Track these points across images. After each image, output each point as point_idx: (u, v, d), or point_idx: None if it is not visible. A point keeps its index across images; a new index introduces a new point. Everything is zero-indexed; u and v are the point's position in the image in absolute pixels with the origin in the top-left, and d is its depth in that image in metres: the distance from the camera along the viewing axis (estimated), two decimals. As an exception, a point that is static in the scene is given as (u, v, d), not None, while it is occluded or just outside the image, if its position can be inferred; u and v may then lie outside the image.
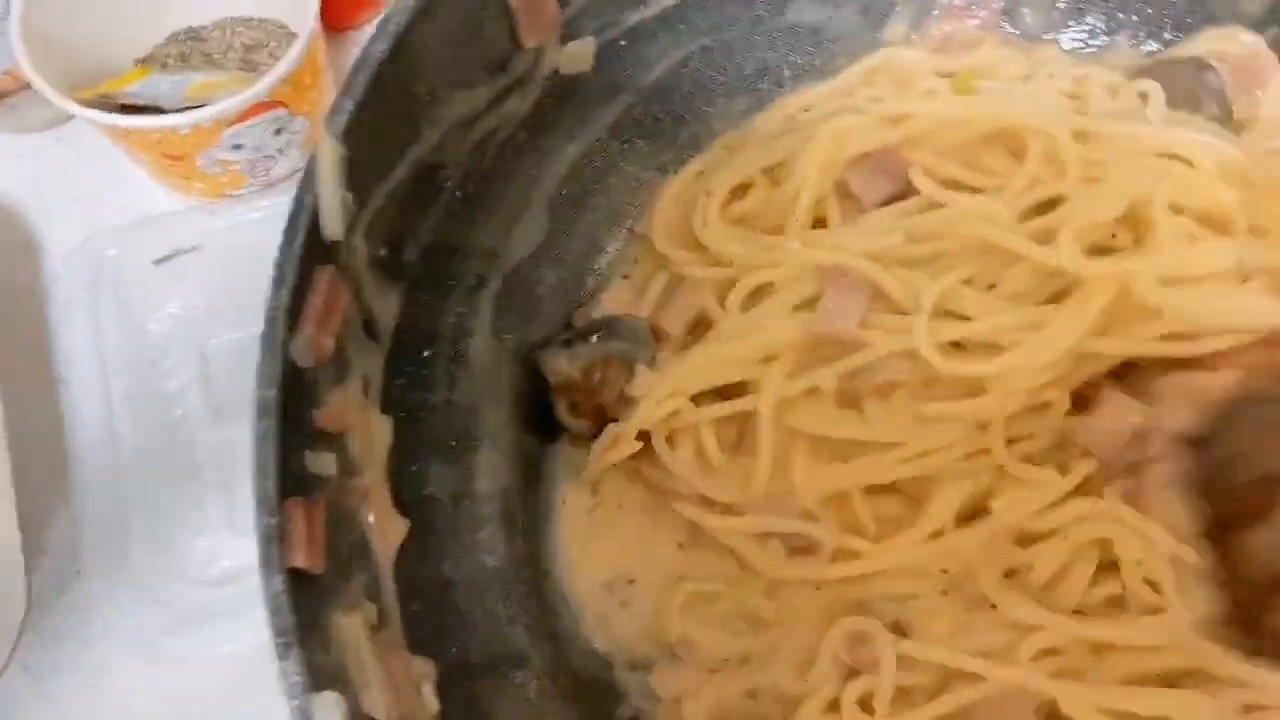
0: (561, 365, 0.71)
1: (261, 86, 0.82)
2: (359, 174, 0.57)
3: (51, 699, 0.80)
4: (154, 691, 0.80)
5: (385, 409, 0.63)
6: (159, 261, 0.91)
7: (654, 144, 0.79)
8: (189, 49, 0.97)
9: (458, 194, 0.68)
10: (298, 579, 0.50)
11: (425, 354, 0.68)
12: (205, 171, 0.89)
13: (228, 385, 0.90)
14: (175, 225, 0.90)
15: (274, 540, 0.49)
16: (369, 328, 0.61)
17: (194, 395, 0.89)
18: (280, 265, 0.52)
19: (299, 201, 0.53)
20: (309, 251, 0.53)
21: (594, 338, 0.72)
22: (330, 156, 0.54)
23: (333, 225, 0.55)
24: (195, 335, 0.90)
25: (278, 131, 0.88)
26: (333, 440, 0.57)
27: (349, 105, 0.55)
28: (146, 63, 0.96)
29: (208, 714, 0.79)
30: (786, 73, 0.81)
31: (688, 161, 0.80)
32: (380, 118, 0.58)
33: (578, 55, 0.73)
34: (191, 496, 0.85)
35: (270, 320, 0.52)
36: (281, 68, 0.83)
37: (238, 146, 0.87)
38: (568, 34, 0.70)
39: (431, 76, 0.62)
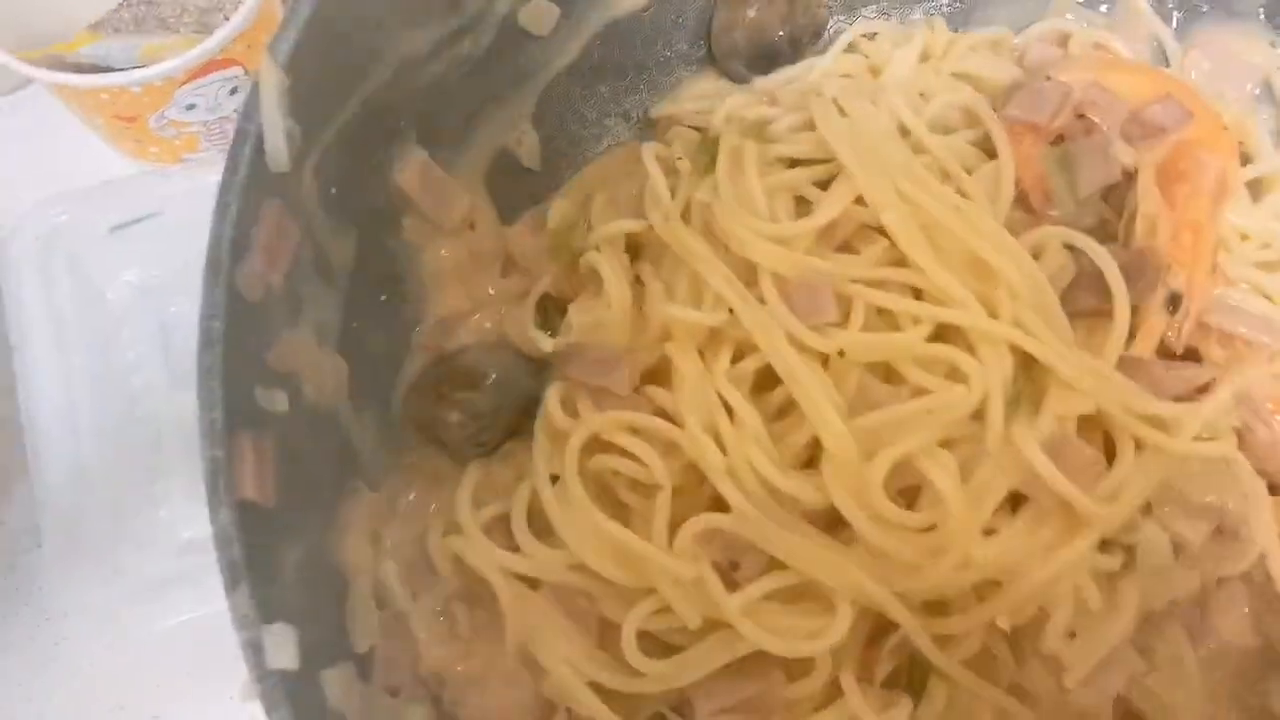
0: (454, 419, 0.66)
1: (212, 43, 0.81)
2: (306, 106, 0.56)
3: (9, 672, 0.78)
4: (114, 661, 0.79)
5: (342, 351, 0.62)
6: (116, 229, 0.89)
7: (616, 89, 0.78)
8: (143, 13, 0.95)
9: (414, 137, 0.66)
10: (247, 511, 0.49)
11: (383, 298, 0.66)
12: (159, 134, 0.87)
13: (188, 354, 0.88)
14: (131, 191, 0.88)
15: (220, 472, 0.48)
16: (323, 269, 0.60)
17: (154, 364, 0.87)
18: (223, 194, 0.51)
19: (242, 131, 0.52)
20: (253, 182, 0.52)
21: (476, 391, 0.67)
22: (273, 84, 0.53)
23: (278, 157, 0.54)
24: (154, 304, 0.88)
25: (233, 91, 0.86)
26: (285, 379, 0.55)
27: (292, 34, 0.54)
28: (99, 28, 0.94)
29: (167, 682, 0.78)
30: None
31: (651, 106, 0.79)
32: (326, 50, 0.57)
33: (537, 16, 0.72)
34: (152, 467, 0.83)
35: (214, 249, 0.51)
36: (233, 25, 0.82)
37: (191, 107, 0.86)
38: (524, -23, 0.70)
39: (379, 11, 0.61)
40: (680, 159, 0.69)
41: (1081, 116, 0.70)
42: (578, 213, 0.72)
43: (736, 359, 0.63)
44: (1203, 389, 0.63)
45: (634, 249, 0.69)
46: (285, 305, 0.55)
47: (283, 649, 0.47)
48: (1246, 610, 0.63)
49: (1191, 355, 0.64)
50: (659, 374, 0.64)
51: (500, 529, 0.64)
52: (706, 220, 0.65)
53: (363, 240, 0.63)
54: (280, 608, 0.48)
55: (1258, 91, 0.77)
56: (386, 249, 0.66)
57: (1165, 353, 0.65)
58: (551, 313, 0.69)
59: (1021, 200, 0.68)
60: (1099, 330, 0.63)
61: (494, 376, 0.65)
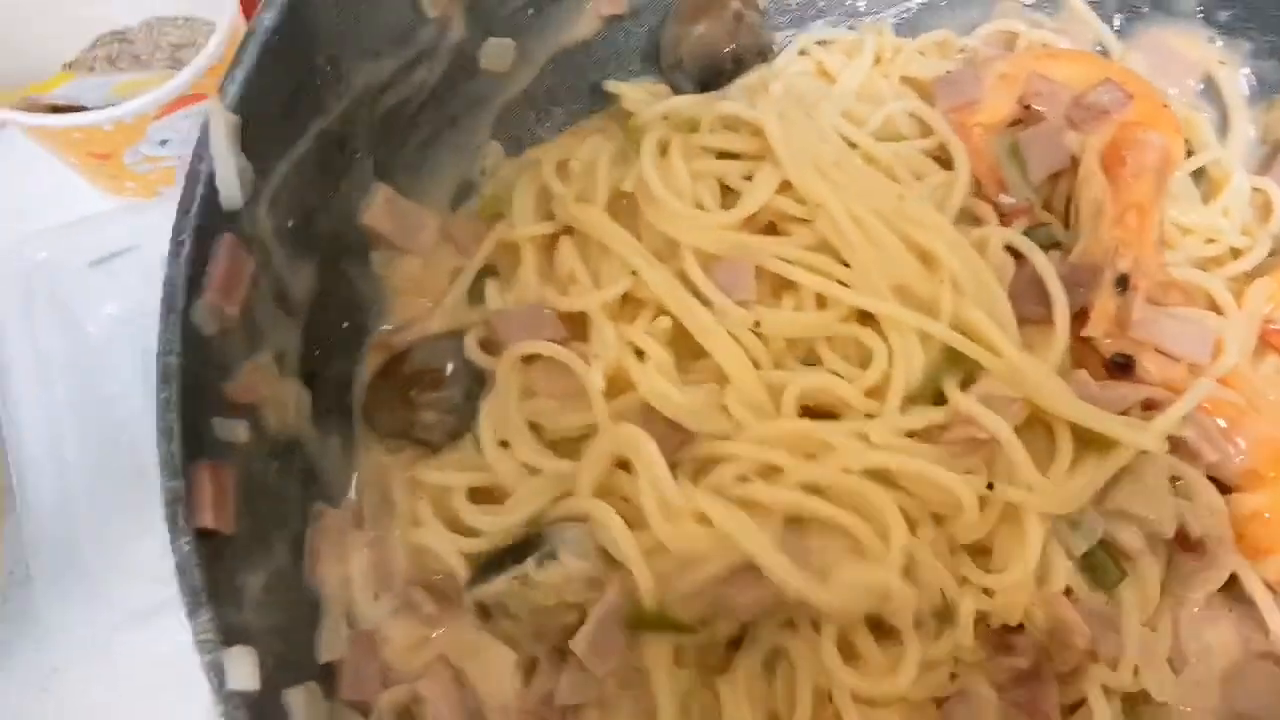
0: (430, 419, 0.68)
1: (181, 79, 0.82)
2: (258, 143, 0.57)
3: (5, 704, 0.80)
4: (106, 690, 0.80)
5: (305, 380, 0.63)
6: (95, 263, 0.90)
7: (571, 111, 0.79)
8: (116, 51, 0.97)
9: (371, 166, 0.68)
10: (208, 540, 0.50)
11: (345, 325, 0.68)
12: (134, 170, 0.89)
13: (170, 383, 0.89)
14: (108, 226, 0.90)
15: (179, 502, 0.49)
16: (282, 299, 0.61)
17: (137, 394, 0.88)
18: (177, 233, 0.53)
19: (194, 170, 0.54)
20: (206, 219, 0.54)
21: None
22: (223, 124, 0.55)
23: (231, 194, 0.55)
24: (135, 335, 0.89)
25: (205, 125, 0.88)
26: (245, 409, 0.57)
27: (240, 74, 0.56)
28: (73, 67, 0.96)
29: (160, 708, 0.79)
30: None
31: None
32: (278, 87, 0.59)
33: (497, 54, 0.74)
34: (138, 496, 0.83)
35: (169, 287, 0.52)
36: (201, 60, 0.83)
37: (165, 142, 0.87)
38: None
39: (330, 46, 0.62)
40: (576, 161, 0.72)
41: (1027, 107, 0.72)
42: (513, 180, 0.75)
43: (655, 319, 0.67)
44: (1147, 405, 0.64)
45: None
46: (243, 337, 0.57)
47: (243, 671, 0.49)
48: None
49: (1127, 363, 0.65)
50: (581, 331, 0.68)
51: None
52: (629, 206, 0.68)
53: (323, 268, 0.65)
54: (242, 631, 0.50)
55: (1200, 88, 0.78)
56: (347, 275, 0.68)
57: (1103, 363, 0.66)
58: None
59: (976, 188, 0.71)
60: (1042, 336, 0.64)
61: (452, 366, 0.67)
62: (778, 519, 0.61)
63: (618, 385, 0.65)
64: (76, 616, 0.79)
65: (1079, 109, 0.70)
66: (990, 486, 0.60)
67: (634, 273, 0.66)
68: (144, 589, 0.80)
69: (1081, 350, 0.65)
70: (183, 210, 0.54)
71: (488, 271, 0.72)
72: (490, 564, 0.63)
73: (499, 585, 0.61)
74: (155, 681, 0.79)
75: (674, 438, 0.62)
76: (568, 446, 0.66)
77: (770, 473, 0.61)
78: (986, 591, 0.61)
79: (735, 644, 0.63)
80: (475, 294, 0.71)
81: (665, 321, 0.65)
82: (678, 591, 0.60)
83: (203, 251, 0.54)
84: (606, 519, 0.60)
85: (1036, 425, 0.62)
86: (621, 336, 0.65)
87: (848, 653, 0.61)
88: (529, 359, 0.66)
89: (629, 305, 0.67)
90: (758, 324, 0.64)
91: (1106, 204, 0.67)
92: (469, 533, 0.64)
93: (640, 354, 0.65)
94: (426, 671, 0.60)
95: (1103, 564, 0.62)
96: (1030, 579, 0.60)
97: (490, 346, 0.68)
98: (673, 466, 0.62)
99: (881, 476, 0.61)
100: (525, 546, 0.62)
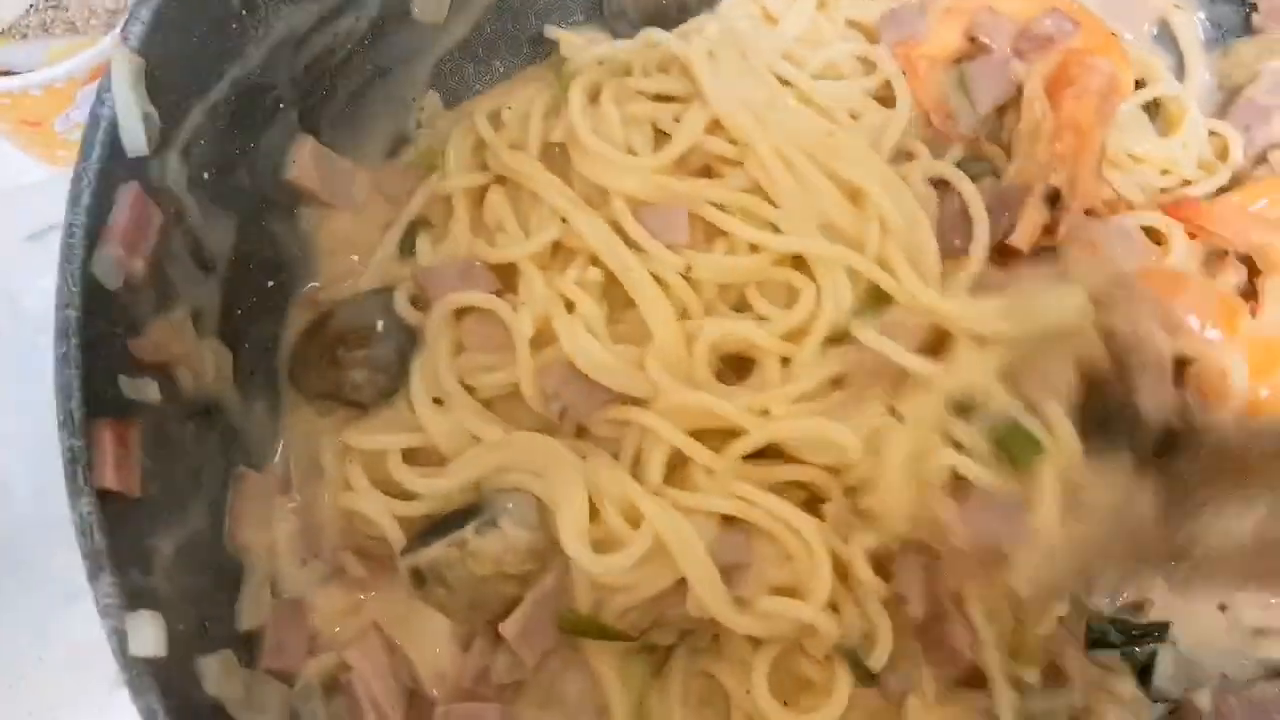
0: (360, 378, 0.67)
1: (110, 41, 0.80)
2: (166, 89, 0.55)
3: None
4: (43, 670, 0.78)
5: (227, 340, 0.61)
6: (32, 238, 0.88)
7: (510, 64, 0.77)
8: (50, 18, 0.94)
9: (295, 118, 0.65)
10: (111, 501, 0.48)
11: (270, 283, 0.65)
12: (66, 137, 0.86)
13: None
14: (44, 197, 0.87)
15: (79, 462, 0.47)
16: (198, 255, 0.59)
17: None
18: (76, 180, 0.50)
19: (95, 115, 0.51)
20: (108, 167, 0.51)
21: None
22: (125, 65, 0.52)
23: (135, 140, 0.53)
24: (74, 309, 0.87)
25: (137, 90, 0.85)
26: (156, 368, 0.54)
27: (145, 13, 0.53)
28: (6, 34, 0.93)
29: (91, 690, 0.77)
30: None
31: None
32: (188, 29, 0.56)
33: (431, 2, 0.72)
34: (78, 472, 0.82)
35: (68, 238, 0.49)
36: (131, 20, 0.80)
37: (96, 108, 0.85)
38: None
39: (249, -11, 0.60)
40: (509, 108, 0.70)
41: (974, 40, 0.71)
42: (448, 132, 0.72)
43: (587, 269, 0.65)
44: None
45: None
46: (152, 293, 0.54)
47: (147, 636, 0.46)
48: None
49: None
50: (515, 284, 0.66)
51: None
52: (562, 156, 0.66)
53: (245, 224, 0.63)
54: (150, 596, 0.48)
55: (1155, 32, 0.76)
56: (272, 231, 0.66)
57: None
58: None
59: (924, 122, 0.70)
60: (963, 267, 0.64)
61: (382, 323, 0.65)
62: (715, 518, 0.60)
63: (546, 337, 0.63)
64: (14, 596, 0.76)
65: (1025, 39, 0.69)
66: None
67: (564, 220, 0.64)
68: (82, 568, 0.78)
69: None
70: (83, 156, 0.51)
71: (420, 224, 0.70)
72: (428, 530, 0.61)
73: (436, 551, 0.59)
74: (91, 662, 0.77)
75: (596, 395, 0.60)
76: (504, 404, 0.64)
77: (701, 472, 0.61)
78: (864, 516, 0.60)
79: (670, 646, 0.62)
80: (407, 248, 0.69)
81: (597, 273, 0.64)
82: (615, 606, 0.59)
83: (103, 200, 0.51)
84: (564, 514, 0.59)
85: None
86: (551, 286, 0.63)
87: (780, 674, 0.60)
88: (460, 313, 0.64)
89: (560, 255, 0.65)
90: (689, 269, 0.62)
91: (1044, 124, 0.66)
92: (404, 496, 0.62)
93: (570, 306, 0.63)
94: (357, 639, 0.58)
95: (1013, 438, 0.60)
96: (898, 480, 0.59)
97: (421, 302, 0.65)
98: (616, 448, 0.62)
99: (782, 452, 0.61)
100: (465, 514, 0.61)
